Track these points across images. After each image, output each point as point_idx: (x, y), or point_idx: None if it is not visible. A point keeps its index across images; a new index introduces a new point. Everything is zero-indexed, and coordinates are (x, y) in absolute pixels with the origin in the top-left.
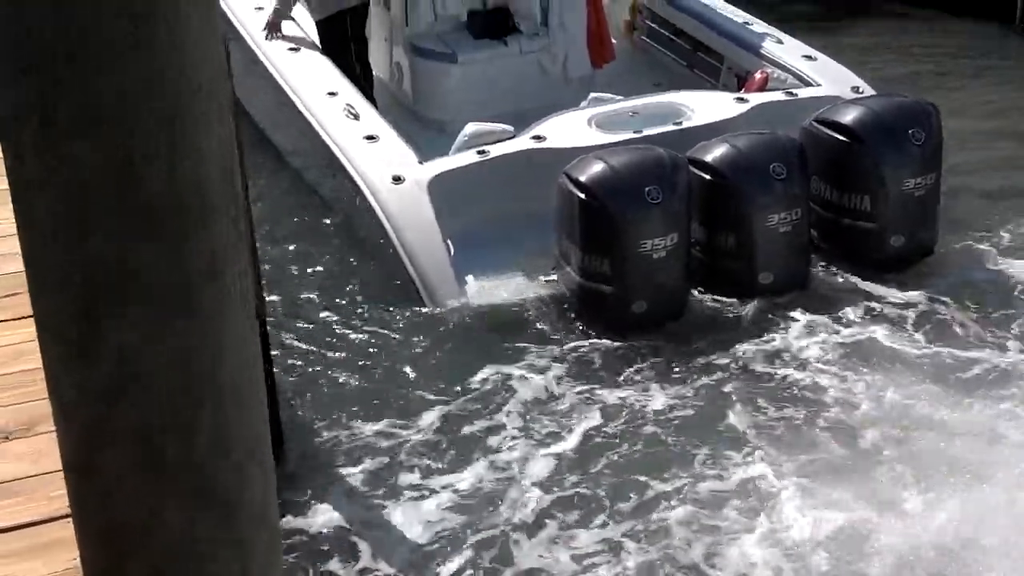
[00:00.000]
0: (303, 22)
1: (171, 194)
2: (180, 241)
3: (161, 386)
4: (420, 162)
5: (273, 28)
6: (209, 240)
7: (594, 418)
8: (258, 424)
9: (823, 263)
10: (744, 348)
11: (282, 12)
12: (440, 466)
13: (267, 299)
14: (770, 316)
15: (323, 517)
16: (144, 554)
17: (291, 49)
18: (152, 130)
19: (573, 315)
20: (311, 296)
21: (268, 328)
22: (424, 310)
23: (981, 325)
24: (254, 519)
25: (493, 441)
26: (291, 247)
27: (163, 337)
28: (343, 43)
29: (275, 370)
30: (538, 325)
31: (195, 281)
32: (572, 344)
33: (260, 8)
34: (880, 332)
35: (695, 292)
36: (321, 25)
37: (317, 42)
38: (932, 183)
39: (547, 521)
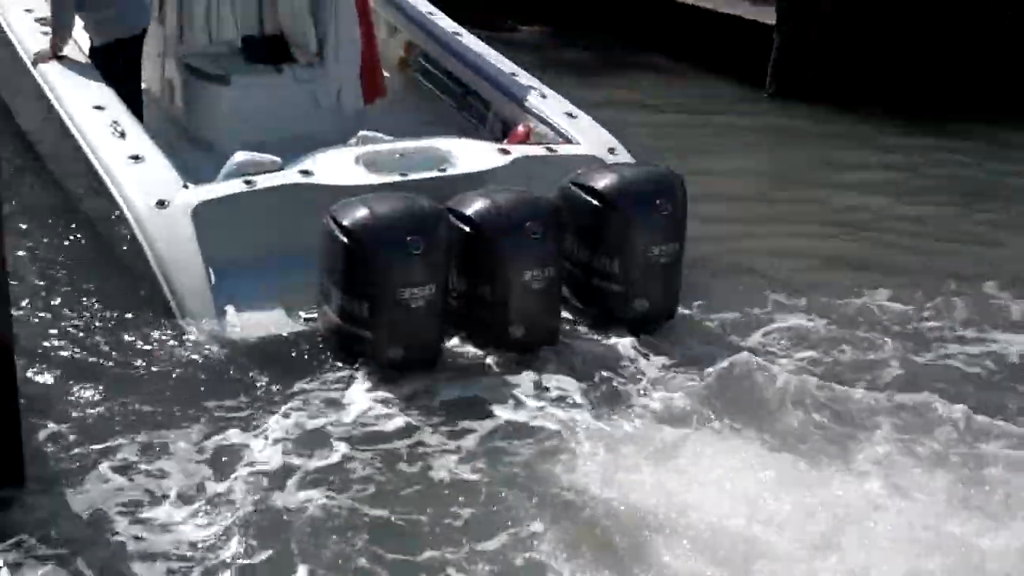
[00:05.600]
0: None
1: None
2: None
3: None
4: (186, 186)
5: (45, 59)
6: None
7: (338, 455)
8: None
9: (573, 319)
10: (491, 399)
11: (59, 45)
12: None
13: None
14: (519, 367)
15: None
16: None
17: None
18: None
19: (329, 355)
20: (65, 315)
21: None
22: (181, 337)
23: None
24: None
25: (242, 469)
26: (49, 268)
27: None
28: (120, 69)
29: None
30: (292, 361)
31: None
32: (324, 381)
33: (29, 10)
34: (619, 386)
35: (453, 342)
36: (97, 52)
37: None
38: (676, 251)
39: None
